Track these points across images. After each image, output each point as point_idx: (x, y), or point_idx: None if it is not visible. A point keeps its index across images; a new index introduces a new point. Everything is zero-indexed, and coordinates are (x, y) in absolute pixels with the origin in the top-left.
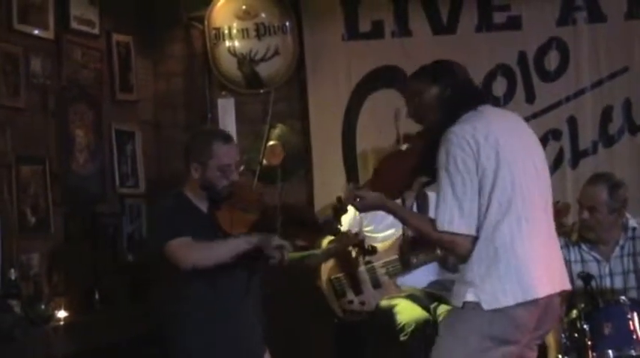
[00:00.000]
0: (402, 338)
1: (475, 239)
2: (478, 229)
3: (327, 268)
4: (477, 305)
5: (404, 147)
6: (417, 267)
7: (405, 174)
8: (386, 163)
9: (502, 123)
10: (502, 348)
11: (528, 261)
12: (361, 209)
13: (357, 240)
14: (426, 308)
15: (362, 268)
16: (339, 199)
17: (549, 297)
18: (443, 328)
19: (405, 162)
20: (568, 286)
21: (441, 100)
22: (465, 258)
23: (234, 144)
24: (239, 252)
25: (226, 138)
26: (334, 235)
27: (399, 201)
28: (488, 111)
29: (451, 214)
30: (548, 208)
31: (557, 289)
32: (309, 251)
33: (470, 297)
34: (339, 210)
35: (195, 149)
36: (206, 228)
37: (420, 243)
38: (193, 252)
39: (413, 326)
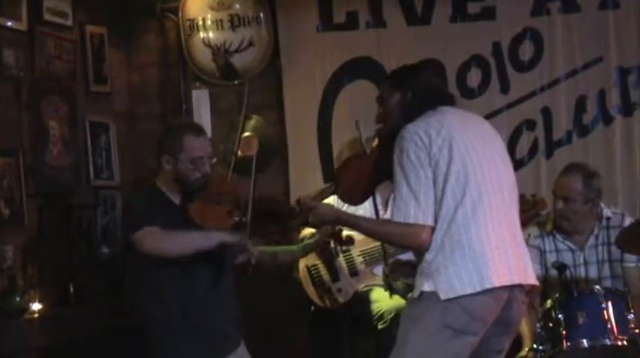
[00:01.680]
0: (380, 326)
1: (433, 229)
2: (435, 220)
3: None
4: (432, 295)
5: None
6: (393, 255)
7: (365, 180)
8: (344, 170)
9: (459, 119)
10: (463, 338)
11: (485, 251)
12: (316, 224)
13: (333, 230)
14: (403, 297)
15: (339, 256)
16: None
17: (510, 289)
18: (403, 320)
19: (364, 168)
20: (532, 281)
21: (401, 106)
22: (423, 249)
23: (207, 136)
24: (204, 247)
25: (198, 130)
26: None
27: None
28: (446, 111)
29: (407, 207)
30: (511, 201)
31: (518, 281)
32: (282, 245)
33: (427, 287)
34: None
35: (167, 142)
36: (178, 221)
37: None
38: (160, 241)
39: (393, 314)
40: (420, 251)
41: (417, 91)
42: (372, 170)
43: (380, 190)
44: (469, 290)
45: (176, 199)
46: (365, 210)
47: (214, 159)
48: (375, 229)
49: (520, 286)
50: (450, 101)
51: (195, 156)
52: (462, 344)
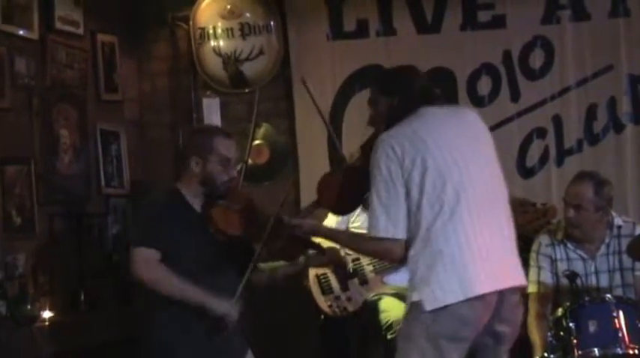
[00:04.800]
0: (389, 336)
1: (405, 242)
2: (412, 231)
3: None
4: (419, 306)
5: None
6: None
7: (351, 189)
8: (327, 180)
9: (438, 120)
10: (456, 345)
11: (466, 260)
12: (304, 235)
13: (340, 262)
14: None
15: (349, 265)
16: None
17: (499, 294)
18: (398, 340)
19: (345, 178)
20: (522, 281)
21: (388, 111)
22: (399, 262)
23: (234, 140)
24: (188, 300)
25: (228, 134)
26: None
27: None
28: (426, 112)
29: (378, 221)
30: (496, 199)
31: (507, 285)
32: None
33: (414, 297)
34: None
35: (197, 143)
36: (195, 226)
37: None
38: (149, 273)
39: (401, 325)
40: (400, 263)
41: (404, 97)
42: (353, 180)
43: None
44: (453, 300)
45: (196, 204)
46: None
47: (239, 166)
48: (351, 244)
49: (510, 288)
50: (433, 99)
51: (225, 156)
52: (456, 351)
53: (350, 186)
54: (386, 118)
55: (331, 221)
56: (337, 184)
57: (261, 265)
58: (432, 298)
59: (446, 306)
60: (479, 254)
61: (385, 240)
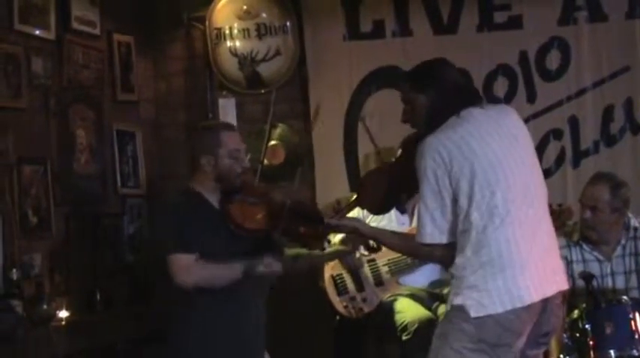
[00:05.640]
0: (404, 337)
1: (449, 246)
2: (461, 238)
3: (329, 265)
4: (463, 311)
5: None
6: (418, 266)
7: (386, 190)
8: (369, 179)
9: (482, 123)
10: (497, 351)
11: (516, 269)
12: (337, 227)
13: (363, 241)
14: (428, 307)
15: (365, 266)
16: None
17: (544, 300)
18: (435, 339)
19: (385, 178)
20: (565, 286)
21: (427, 110)
22: (446, 265)
23: (237, 131)
24: (232, 279)
25: (230, 126)
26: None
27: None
28: (470, 116)
29: (424, 227)
30: (540, 203)
31: (552, 292)
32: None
33: (458, 301)
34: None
35: (205, 141)
36: (217, 224)
37: None
38: (192, 276)
39: (416, 326)
40: (443, 266)
41: (441, 95)
42: (393, 179)
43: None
44: (500, 310)
45: (214, 201)
46: (389, 219)
47: (249, 155)
48: (395, 245)
49: (555, 294)
50: (474, 100)
51: (233, 148)
52: (497, 356)
53: (392, 184)
54: (426, 117)
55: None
56: (381, 181)
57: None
58: (478, 305)
59: (491, 315)
60: (527, 263)
61: (432, 245)
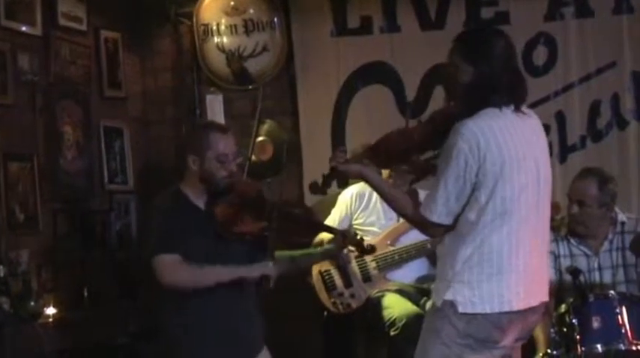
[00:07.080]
0: (392, 332)
1: (447, 228)
2: (465, 226)
3: None
4: (452, 306)
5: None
6: (406, 261)
7: (403, 147)
8: (388, 135)
9: (517, 130)
10: (484, 346)
11: (511, 276)
12: (343, 171)
13: (356, 240)
14: (415, 303)
15: (352, 262)
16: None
17: (528, 309)
18: (423, 332)
19: (406, 137)
20: (546, 298)
21: (471, 87)
22: (430, 238)
23: (231, 134)
24: (224, 280)
25: (223, 128)
26: (333, 233)
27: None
28: (508, 116)
29: (436, 204)
30: (546, 216)
31: (535, 303)
32: (302, 249)
33: (449, 296)
34: (329, 176)
35: (193, 141)
36: (203, 227)
37: None
38: (178, 276)
39: (404, 321)
40: (427, 236)
41: (488, 76)
42: (407, 140)
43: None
44: (488, 310)
45: (201, 203)
46: (377, 215)
47: (240, 159)
48: (395, 200)
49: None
50: (520, 99)
51: (221, 152)
52: (483, 353)
53: (406, 144)
54: (467, 97)
55: (334, 218)
56: (396, 140)
57: (278, 253)
58: (468, 302)
59: (477, 313)
60: (523, 271)
61: (432, 222)
